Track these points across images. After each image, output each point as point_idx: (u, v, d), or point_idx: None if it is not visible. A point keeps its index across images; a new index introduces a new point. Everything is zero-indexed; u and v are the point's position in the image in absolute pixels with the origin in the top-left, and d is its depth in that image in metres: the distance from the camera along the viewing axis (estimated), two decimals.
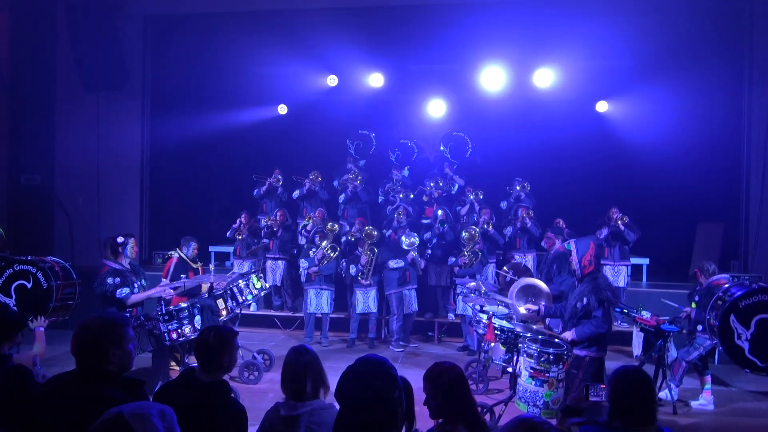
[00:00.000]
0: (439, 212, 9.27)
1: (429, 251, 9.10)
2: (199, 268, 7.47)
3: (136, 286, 5.94)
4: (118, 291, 5.72)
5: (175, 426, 1.80)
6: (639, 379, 2.67)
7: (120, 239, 5.98)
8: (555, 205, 10.85)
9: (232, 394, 2.85)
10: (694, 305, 6.39)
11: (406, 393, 2.71)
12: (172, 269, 7.22)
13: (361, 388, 2.08)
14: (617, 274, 8.91)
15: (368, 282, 8.49)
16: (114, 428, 1.69)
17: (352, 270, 8.46)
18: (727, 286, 6.10)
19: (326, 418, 2.68)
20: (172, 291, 6.17)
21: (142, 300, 5.93)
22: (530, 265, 9.01)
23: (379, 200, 11.02)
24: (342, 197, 10.38)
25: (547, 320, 6.95)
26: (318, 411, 2.73)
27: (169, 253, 7.53)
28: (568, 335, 4.88)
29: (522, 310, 5.80)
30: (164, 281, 6.86)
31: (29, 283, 6.14)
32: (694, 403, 6.32)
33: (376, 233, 8.78)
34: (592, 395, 2.99)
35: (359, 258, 8.50)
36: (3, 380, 2.68)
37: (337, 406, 2.23)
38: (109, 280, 5.76)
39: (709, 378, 6.37)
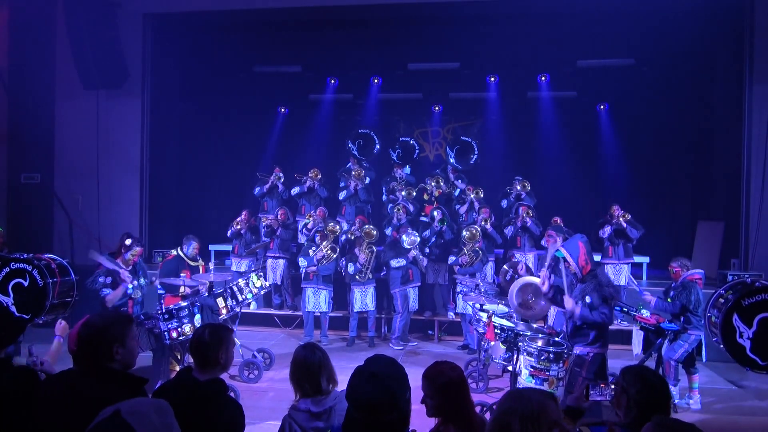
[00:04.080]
0: (435, 213, 9.26)
1: (427, 250, 9.10)
2: (200, 266, 7.44)
3: (130, 286, 5.94)
4: (102, 290, 5.76)
5: (172, 419, 1.79)
6: (657, 377, 2.70)
7: (128, 242, 6.00)
8: (555, 203, 10.86)
9: (231, 393, 2.84)
10: (669, 300, 6.37)
11: None
12: (162, 267, 7.21)
13: (376, 390, 2.06)
14: (619, 273, 8.89)
15: (366, 279, 8.48)
16: (113, 427, 1.68)
17: (351, 269, 8.46)
18: (729, 283, 6.09)
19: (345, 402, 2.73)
20: (128, 274, 6.07)
21: (117, 297, 5.90)
22: (531, 263, 9.01)
23: (383, 198, 11.02)
24: (343, 194, 10.38)
25: (550, 321, 6.95)
26: (341, 398, 2.75)
27: (170, 251, 7.50)
28: (570, 305, 4.76)
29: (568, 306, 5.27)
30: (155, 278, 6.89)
31: (26, 281, 6.15)
32: (680, 402, 6.25)
33: (375, 232, 8.78)
34: (593, 394, 2.97)
35: (357, 256, 8.50)
36: (10, 382, 2.67)
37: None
38: (100, 279, 5.81)
39: (696, 377, 6.33)
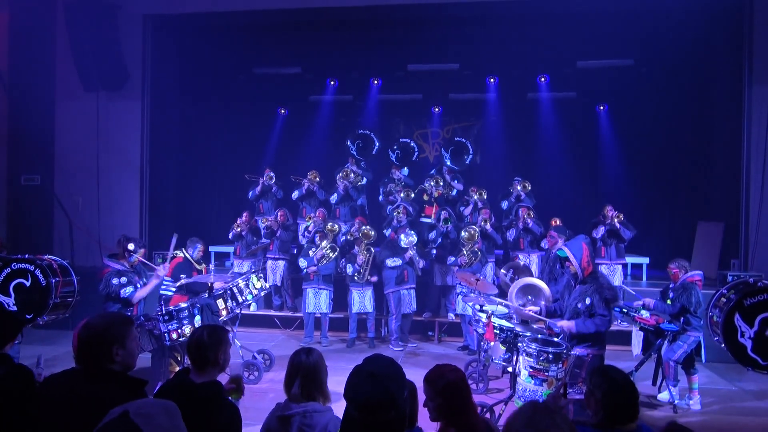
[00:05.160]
0: (443, 213, 9.28)
1: (434, 251, 9.09)
2: (203, 269, 7.45)
3: (138, 285, 5.95)
4: (122, 291, 5.74)
5: (180, 421, 1.79)
6: (622, 378, 2.69)
7: (131, 246, 5.97)
8: (555, 204, 10.87)
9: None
10: (669, 302, 6.38)
11: (411, 394, 2.73)
12: (174, 268, 7.19)
13: (375, 389, 2.07)
14: (612, 273, 8.89)
15: (373, 278, 8.48)
16: (121, 428, 1.68)
17: (349, 269, 8.46)
18: (731, 283, 6.09)
19: (319, 421, 2.68)
20: (165, 272, 6.13)
21: (146, 294, 5.92)
22: (534, 265, 9.01)
23: (380, 199, 11.03)
24: (334, 197, 10.37)
25: (548, 320, 6.94)
26: (311, 413, 2.71)
27: (175, 252, 7.52)
28: (566, 324, 4.90)
29: (526, 310, 5.72)
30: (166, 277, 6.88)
31: (28, 281, 6.15)
32: (680, 402, 6.23)
33: (373, 233, 8.78)
34: (571, 393, 2.98)
35: (356, 257, 8.50)
36: (6, 380, 2.67)
37: (334, 411, 2.21)
38: (114, 281, 5.77)
39: (696, 378, 6.32)
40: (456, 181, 10.76)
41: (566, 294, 5.00)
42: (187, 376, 2.76)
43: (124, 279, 5.79)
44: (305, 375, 2.80)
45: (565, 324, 4.93)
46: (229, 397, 2.85)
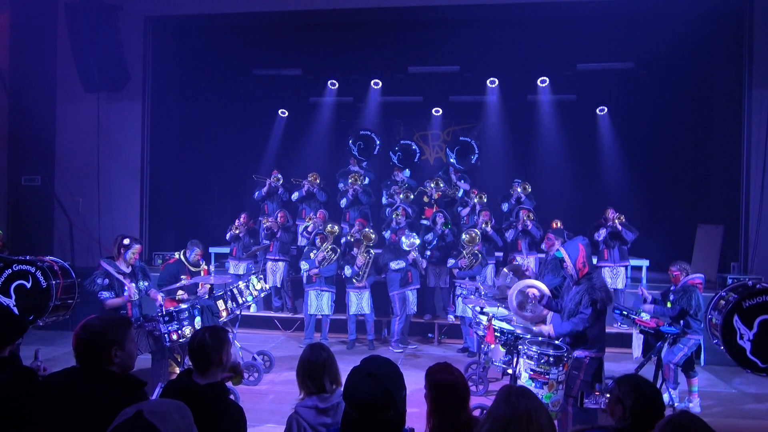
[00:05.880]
0: (438, 216, 9.27)
1: (428, 253, 9.11)
2: (202, 271, 7.42)
3: (126, 288, 5.91)
4: (100, 293, 5.75)
5: (192, 421, 1.80)
6: (651, 387, 2.76)
7: (126, 241, 5.97)
8: (555, 207, 10.88)
9: (231, 396, 2.85)
10: (669, 305, 6.37)
11: None
12: (164, 270, 7.17)
13: (373, 389, 2.09)
14: (616, 276, 8.88)
15: (363, 284, 8.48)
16: (137, 427, 1.68)
17: (348, 271, 8.46)
18: (730, 286, 6.08)
19: None
20: (134, 297, 6.01)
21: (117, 305, 5.84)
22: (532, 267, 9.00)
23: (383, 201, 11.03)
24: (344, 202, 10.37)
25: (548, 321, 6.94)
26: None
27: (173, 254, 7.50)
28: (546, 329, 4.96)
29: (536, 328, 5.63)
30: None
31: (28, 282, 6.16)
32: (680, 405, 6.22)
33: (374, 236, 8.78)
34: (587, 402, 3.00)
35: (355, 259, 8.50)
36: (10, 383, 2.68)
37: None
38: (99, 280, 5.79)
39: (696, 380, 6.33)
40: (462, 181, 10.76)
41: (566, 295, 5.00)
42: (191, 378, 2.76)
43: (106, 281, 5.79)
44: (329, 369, 2.97)
45: (545, 329, 5.00)
46: (229, 383, 2.89)
